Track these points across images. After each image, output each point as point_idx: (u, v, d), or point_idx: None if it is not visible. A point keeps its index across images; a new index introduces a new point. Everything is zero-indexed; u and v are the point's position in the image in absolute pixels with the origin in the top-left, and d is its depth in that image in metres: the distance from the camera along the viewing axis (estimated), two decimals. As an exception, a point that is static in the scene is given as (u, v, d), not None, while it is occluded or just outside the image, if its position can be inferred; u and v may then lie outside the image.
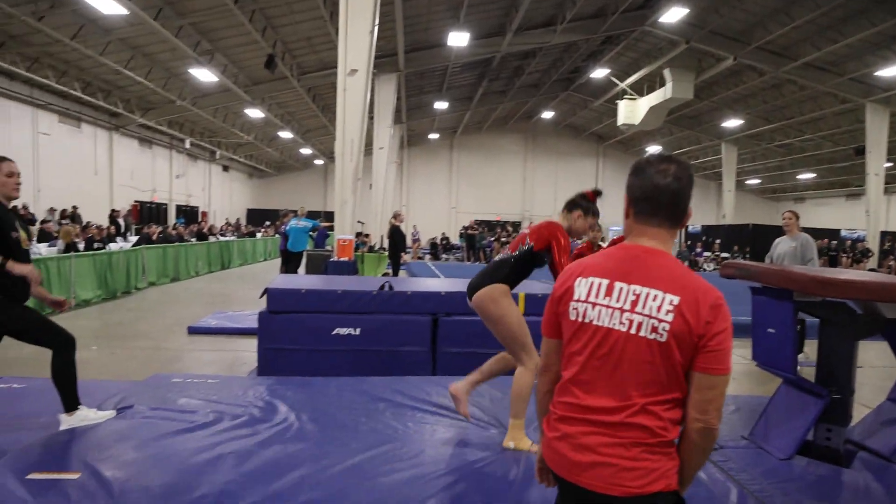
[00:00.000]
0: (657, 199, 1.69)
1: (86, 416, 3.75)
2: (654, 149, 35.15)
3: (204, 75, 18.29)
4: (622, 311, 1.64)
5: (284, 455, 3.31)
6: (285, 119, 26.56)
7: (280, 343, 5.50)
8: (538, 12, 18.81)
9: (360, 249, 15.87)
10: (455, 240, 30.14)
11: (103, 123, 20.42)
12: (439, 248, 26.95)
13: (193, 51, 16.51)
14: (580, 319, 1.70)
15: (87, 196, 19.12)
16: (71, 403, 3.74)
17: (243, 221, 31.74)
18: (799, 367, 7.23)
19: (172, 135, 24.70)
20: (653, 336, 1.60)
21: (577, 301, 1.72)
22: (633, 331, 1.62)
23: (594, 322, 1.68)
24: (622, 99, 24.09)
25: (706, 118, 28.80)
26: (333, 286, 5.86)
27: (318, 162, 36.65)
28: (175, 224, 21.18)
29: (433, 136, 34.93)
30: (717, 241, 29.24)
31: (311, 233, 13.14)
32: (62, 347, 3.70)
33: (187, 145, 25.83)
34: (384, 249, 16.91)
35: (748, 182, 38.24)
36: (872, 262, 23.40)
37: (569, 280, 1.76)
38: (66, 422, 3.70)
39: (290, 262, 12.57)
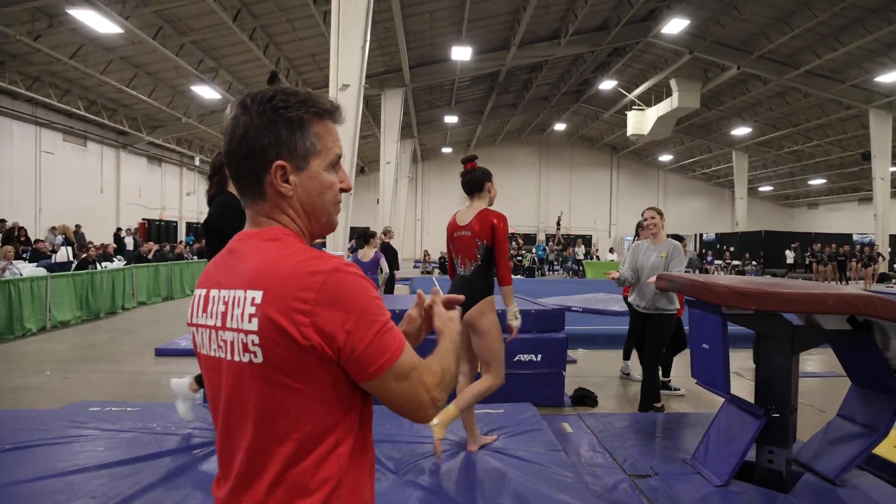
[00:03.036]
0: (228, 168, 1.17)
1: None
2: (666, 158, 35.02)
3: (207, 93, 18.39)
4: (216, 329, 1.12)
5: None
6: (295, 135, 26.62)
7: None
8: (542, 26, 18.76)
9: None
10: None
11: (110, 142, 20.60)
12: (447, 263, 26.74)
13: (196, 69, 16.60)
14: (197, 350, 1.21)
15: (93, 215, 19.22)
16: None
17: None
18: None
19: (182, 152, 24.88)
20: (247, 357, 1.06)
21: (189, 324, 1.22)
22: (228, 355, 1.10)
23: (200, 351, 1.19)
24: (631, 110, 23.98)
25: (715, 127, 29.03)
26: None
27: (331, 177, 36.82)
28: (181, 242, 21.24)
29: (446, 150, 34.92)
30: (730, 248, 29.23)
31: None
32: None
33: (197, 162, 26.00)
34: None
35: (761, 189, 38.27)
36: (884, 265, 23.20)
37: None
38: None
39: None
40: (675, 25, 17.47)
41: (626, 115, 25.09)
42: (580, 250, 26.21)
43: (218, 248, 3.91)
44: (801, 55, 19.21)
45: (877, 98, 21.05)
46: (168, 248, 17.51)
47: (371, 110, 23.55)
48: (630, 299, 5.42)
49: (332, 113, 1.18)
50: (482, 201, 3.84)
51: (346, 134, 11.43)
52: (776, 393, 3.61)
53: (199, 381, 4.08)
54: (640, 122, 23.89)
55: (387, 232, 12.81)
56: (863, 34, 16.82)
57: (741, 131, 27.38)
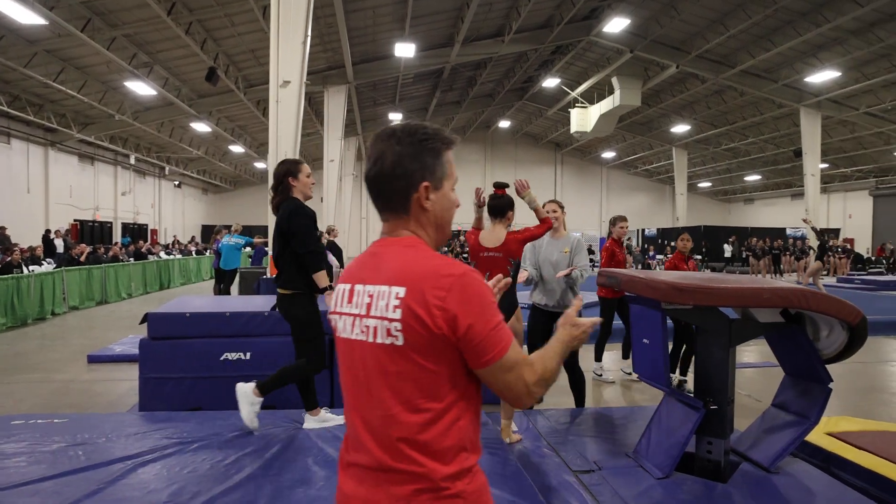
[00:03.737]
0: (371, 190, 1.46)
1: None
2: (609, 155, 35.67)
3: (141, 88, 17.76)
4: (360, 317, 1.38)
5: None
6: (236, 133, 26.04)
7: (163, 372, 5.12)
8: (485, 23, 18.82)
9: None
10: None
11: (37, 139, 19.67)
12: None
13: (129, 63, 15.99)
14: (337, 334, 1.46)
15: (19, 216, 18.31)
16: None
17: (198, 238, 31.00)
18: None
19: (116, 150, 23.97)
20: (389, 341, 1.31)
21: (332, 312, 1.48)
22: (370, 338, 1.35)
23: (341, 335, 1.43)
24: (574, 107, 24.30)
25: (656, 124, 29.72)
26: (221, 308, 5.48)
27: (275, 176, 36.16)
28: (117, 243, 20.48)
29: (391, 147, 34.67)
30: (672, 243, 29.99)
31: (243, 249, 12.68)
32: None
33: (132, 161, 25.10)
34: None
35: (700, 185, 39.39)
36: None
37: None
38: None
39: (223, 281, 12.12)
40: (616, 24, 17.86)
41: (569, 113, 25.42)
42: (526, 246, 26.50)
43: (285, 249, 4.10)
44: (736, 55, 19.82)
45: (807, 97, 21.88)
46: (102, 250, 16.82)
47: (314, 107, 23.18)
48: (534, 299, 5.04)
49: (453, 144, 1.44)
50: (502, 226, 4.38)
51: (288, 131, 11.15)
52: (714, 385, 3.67)
53: (261, 388, 4.10)
54: (584, 119, 24.26)
55: (330, 230, 12.65)
56: (793, 36, 17.45)
57: (681, 129, 28.11)
